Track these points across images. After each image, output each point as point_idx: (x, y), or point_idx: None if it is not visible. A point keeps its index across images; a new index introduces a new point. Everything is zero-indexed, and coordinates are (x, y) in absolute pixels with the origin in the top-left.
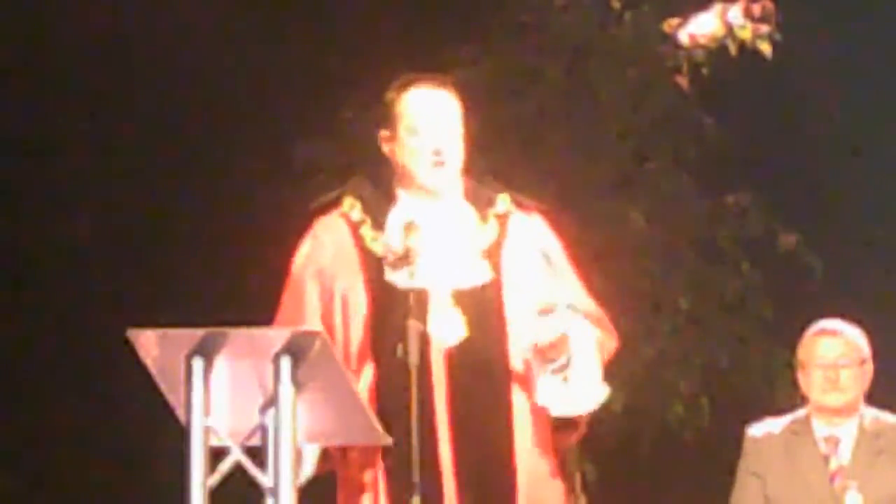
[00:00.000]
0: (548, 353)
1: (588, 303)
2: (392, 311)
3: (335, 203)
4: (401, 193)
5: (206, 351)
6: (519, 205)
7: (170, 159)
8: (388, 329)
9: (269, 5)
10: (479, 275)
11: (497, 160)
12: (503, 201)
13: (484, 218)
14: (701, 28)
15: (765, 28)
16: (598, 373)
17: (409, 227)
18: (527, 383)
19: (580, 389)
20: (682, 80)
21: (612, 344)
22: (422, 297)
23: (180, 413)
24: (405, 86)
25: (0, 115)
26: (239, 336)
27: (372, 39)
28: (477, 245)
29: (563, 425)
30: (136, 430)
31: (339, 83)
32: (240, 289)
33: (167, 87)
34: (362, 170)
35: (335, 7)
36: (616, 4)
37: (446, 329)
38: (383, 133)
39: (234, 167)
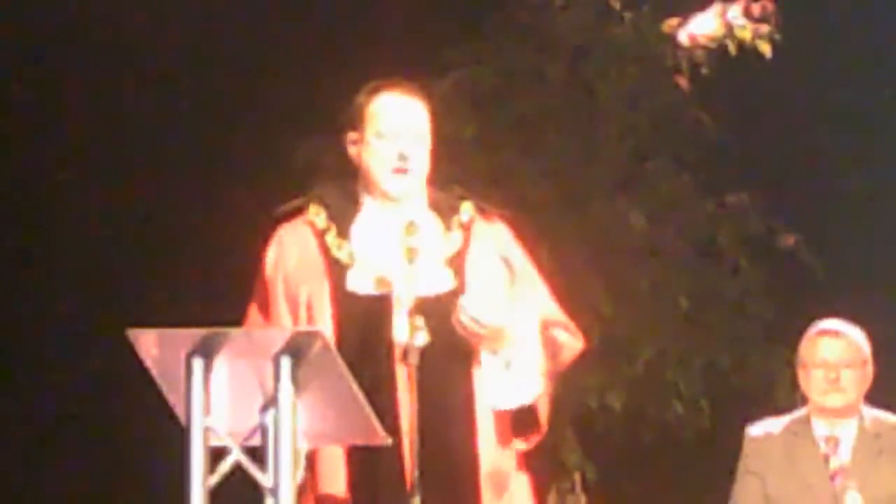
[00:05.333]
0: (489, 341)
1: (551, 307)
2: (356, 318)
3: (300, 210)
4: (366, 200)
5: (206, 351)
6: (482, 212)
7: (169, 159)
8: (353, 335)
9: (269, 5)
10: (443, 282)
11: (497, 160)
12: (467, 210)
13: (448, 227)
14: (701, 28)
15: (765, 28)
16: (538, 367)
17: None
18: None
19: (519, 380)
20: (682, 80)
21: (576, 344)
22: (385, 305)
23: (180, 413)
24: (375, 90)
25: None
26: (239, 336)
27: (372, 39)
28: (441, 253)
29: (522, 427)
30: (136, 430)
31: (340, 83)
32: (239, 289)
33: (167, 87)
34: (333, 176)
35: (335, 7)
36: (616, 4)
37: (415, 337)
38: (351, 135)
39: (233, 167)
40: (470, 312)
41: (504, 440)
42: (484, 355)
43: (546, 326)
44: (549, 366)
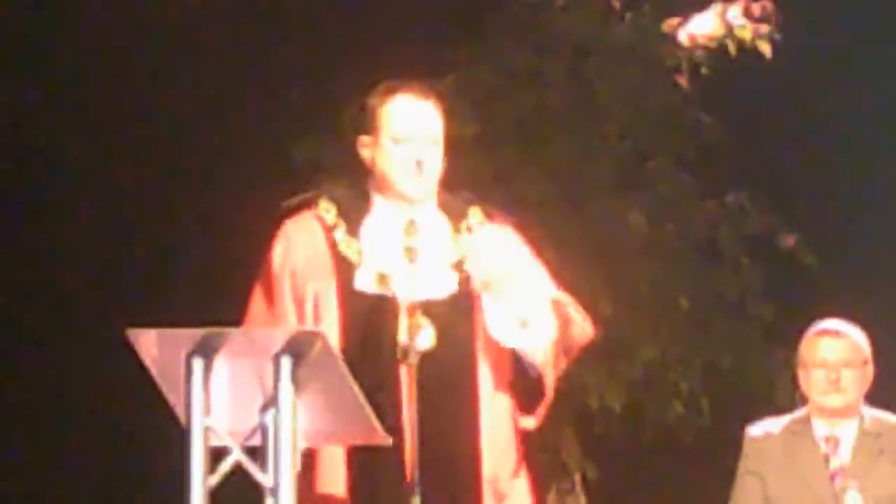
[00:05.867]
0: (489, 287)
1: (560, 294)
2: (362, 317)
3: (309, 203)
4: (377, 199)
5: (206, 351)
6: (490, 217)
7: (169, 159)
8: (359, 334)
9: (269, 5)
10: (450, 285)
11: (497, 160)
12: (475, 214)
13: (457, 230)
14: (701, 28)
15: (765, 28)
16: (551, 325)
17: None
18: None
19: (534, 334)
20: (682, 80)
21: (587, 327)
22: (392, 305)
23: (180, 413)
24: (389, 93)
25: (1, 115)
26: (239, 336)
27: (372, 39)
28: (449, 256)
29: (528, 396)
30: (136, 430)
31: (340, 83)
32: (239, 289)
33: (167, 87)
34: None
35: (335, 7)
36: (616, 4)
37: (416, 338)
38: (363, 139)
39: (234, 167)
40: (474, 259)
41: (508, 442)
42: (498, 308)
43: (558, 304)
44: (561, 336)
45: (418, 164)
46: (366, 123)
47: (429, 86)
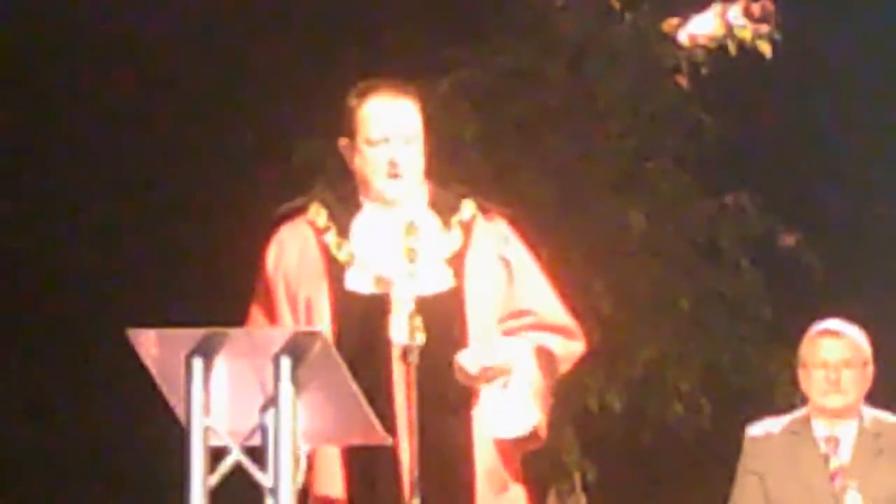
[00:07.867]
0: (488, 375)
1: (550, 309)
2: (355, 317)
3: (301, 210)
4: (364, 201)
5: (206, 351)
6: (483, 211)
7: (170, 159)
8: (352, 334)
9: (270, 5)
10: (442, 281)
11: (497, 160)
12: (468, 208)
13: (447, 225)
14: (701, 28)
15: (764, 28)
16: (532, 399)
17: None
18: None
19: (518, 405)
20: (682, 80)
21: (575, 349)
22: (384, 304)
23: (180, 413)
24: (363, 94)
25: (0, 116)
26: (239, 336)
27: (372, 39)
28: (440, 252)
29: (523, 445)
30: (136, 430)
31: (340, 83)
32: (239, 289)
33: (167, 87)
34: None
35: (336, 7)
36: (616, 4)
37: (407, 335)
38: (342, 141)
39: (233, 167)
40: (475, 361)
41: (503, 442)
42: (482, 389)
43: (540, 346)
44: (547, 384)
45: (392, 164)
46: (345, 125)
47: (410, 84)
